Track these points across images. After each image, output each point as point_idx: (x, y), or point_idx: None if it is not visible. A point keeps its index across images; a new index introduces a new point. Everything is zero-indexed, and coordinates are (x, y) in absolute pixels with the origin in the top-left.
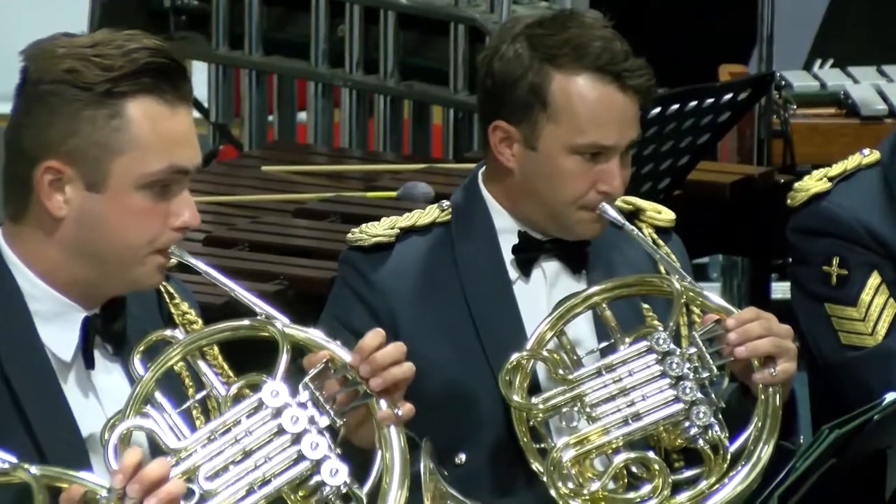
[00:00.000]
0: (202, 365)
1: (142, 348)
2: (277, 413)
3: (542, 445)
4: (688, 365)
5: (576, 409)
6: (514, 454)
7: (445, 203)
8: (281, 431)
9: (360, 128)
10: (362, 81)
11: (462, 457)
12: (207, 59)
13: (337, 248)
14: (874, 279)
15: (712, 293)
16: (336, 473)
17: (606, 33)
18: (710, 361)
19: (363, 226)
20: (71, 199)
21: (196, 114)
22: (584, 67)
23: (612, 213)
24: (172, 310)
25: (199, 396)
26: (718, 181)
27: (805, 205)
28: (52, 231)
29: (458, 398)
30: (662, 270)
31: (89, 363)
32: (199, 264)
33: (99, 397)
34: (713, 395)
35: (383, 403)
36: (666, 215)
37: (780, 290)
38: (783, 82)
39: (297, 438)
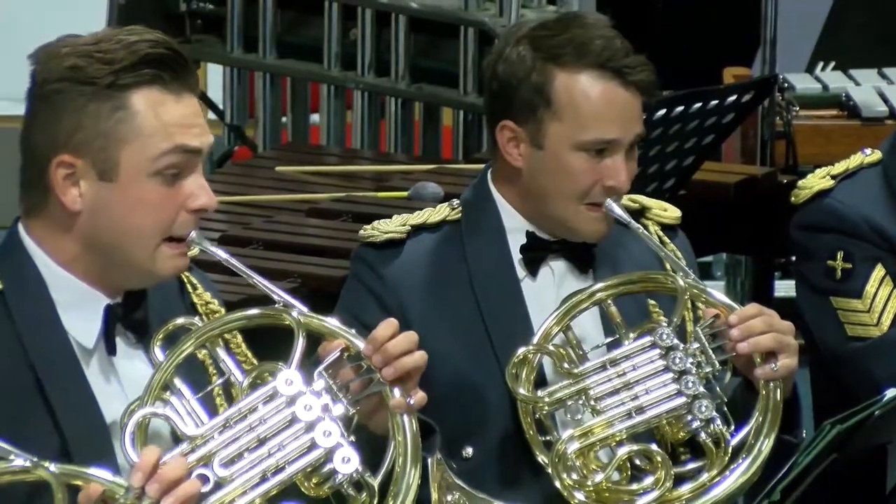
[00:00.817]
0: (220, 352)
1: (161, 336)
2: (291, 401)
3: (548, 438)
4: (691, 360)
5: (581, 402)
6: (520, 446)
7: (456, 202)
8: (295, 419)
9: (371, 129)
10: (374, 84)
11: (469, 450)
12: (222, 61)
13: (349, 246)
14: (878, 272)
15: (716, 290)
16: (348, 461)
17: (608, 32)
18: (713, 356)
19: (375, 223)
20: (85, 192)
21: (211, 115)
22: (586, 65)
23: (618, 211)
24: (195, 299)
25: (218, 383)
26: (722, 181)
27: (809, 202)
28: (69, 225)
29: (467, 391)
30: (668, 268)
31: (111, 350)
32: (219, 252)
33: (122, 383)
34: (716, 390)
35: (396, 392)
36: (672, 213)
37: (783, 288)
38: (786, 84)
39: (310, 426)
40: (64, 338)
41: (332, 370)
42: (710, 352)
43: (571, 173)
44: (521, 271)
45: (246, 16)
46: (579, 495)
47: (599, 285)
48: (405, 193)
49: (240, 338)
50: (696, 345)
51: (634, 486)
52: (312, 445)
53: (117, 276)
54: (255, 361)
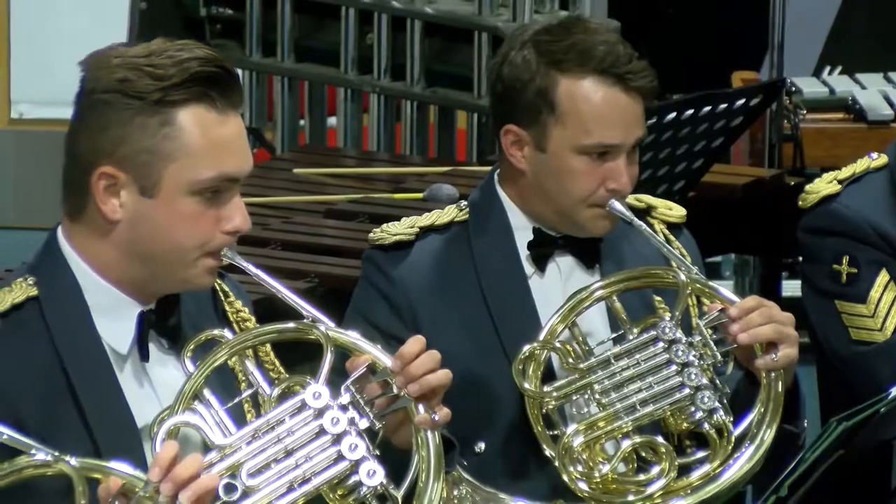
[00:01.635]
0: (249, 365)
1: (192, 347)
2: (319, 414)
3: (556, 432)
4: (693, 352)
5: (587, 396)
6: (528, 440)
7: (463, 203)
8: (322, 432)
9: (387, 132)
10: (390, 87)
11: (481, 445)
12: (241, 65)
13: (365, 247)
14: (882, 277)
15: (719, 285)
16: (373, 475)
17: (610, 37)
18: (714, 348)
19: (384, 225)
20: (125, 203)
21: None
22: (589, 71)
23: (621, 210)
24: (227, 307)
25: (246, 394)
26: (731, 183)
27: (816, 206)
28: (107, 232)
29: (476, 387)
30: (674, 264)
31: (144, 356)
32: (251, 267)
33: (154, 388)
34: (718, 381)
35: (421, 408)
36: (677, 211)
37: (791, 288)
38: (793, 88)
39: (337, 439)
40: (98, 343)
41: (358, 385)
42: (712, 344)
43: (574, 176)
44: (528, 268)
45: (264, 21)
46: (585, 487)
47: (601, 283)
48: (420, 195)
49: (268, 347)
50: (698, 337)
51: (641, 477)
52: (339, 458)
53: (152, 284)
54: (282, 370)
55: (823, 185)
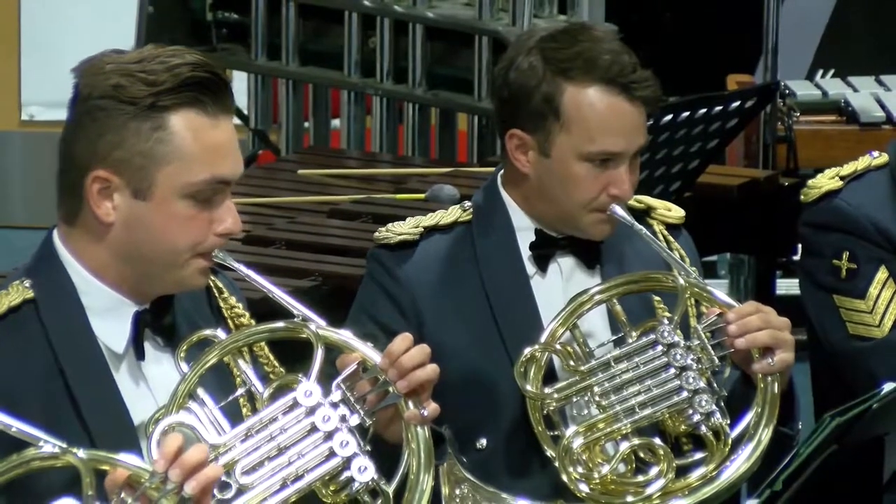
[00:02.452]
0: (242, 364)
1: (185, 347)
2: (311, 412)
3: (556, 432)
4: (691, 356)
5: (587, 398)
6: (530, 439)
7: (467, 203)
8: (314, 429)
9: (390, 133)
10: (392, 90)
11: (483, 441)
12: (247, 69)
13: (368, 246)
14: (881, 274)
15: (717, 288)
16: (364, 470)
17: (615, 46)
18: (712, 352)
19: (389, 225)
20: (119, 205)
21: (236, 120)
22: (594, 79)
23: (622, 214)
24: (221, 304)
25: (238, 393)
26: (726, 184)
27: (818, 201)
28: (101, 235)
29: (479, 386)
30: (673, 269)
31: (140, 354)
32: (241, 267)
33: (150, 386)
34: (715, 384)
35: (410, 404)
36: (676, 213)
37: (784, 286)
38: (787, 91)
39: (328, 436)
40: (94, 343)
41: (349, 382)
42: (710, 348)
43: (577, 181)
44: (530, 269)
45: (269, 25)
46: (585, 488)
47: (601, 286)
48: (422, 195)
49: (264, 344)
50: (696, 341)
51: (639, 478)
52: (331, 454)
53: (146, 285)
54: (277, 366)
55: (826, 181)
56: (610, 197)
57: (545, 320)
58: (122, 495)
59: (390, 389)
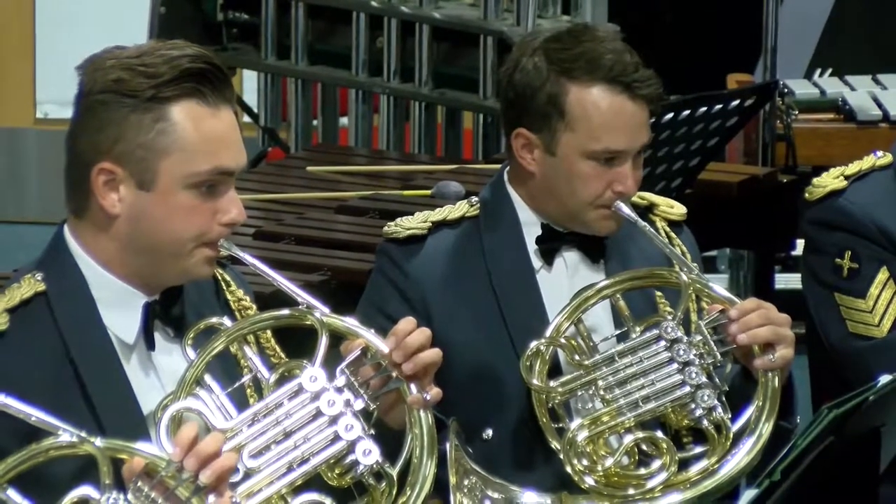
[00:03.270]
0: (248, 351)
1: (192, 335)
2: (315, 397)
3: (561, 425)
4: (694, 351)
5: (591, 392)
6: (535, 432)
7: (474, 199)
8: (318, 414)
9: (396, 131)
10: (399, 89)
11: (489, 432)
12: (257, 68)
13: (376, 241)
14: (882, 274)
15: (718, 285)
16: (369, 454)
17: (617, 46)
18: (714, 348)
19: (398, 220)
20: (124, 197)
21: (247, 118)
22: (598, 79)
23: (626, 211)
24: (228, 296)
25: (245, 379)
26: (726, 181)
27: (821, 200)
28: (108, 226)
29: (485, 378)
30: (676, 265)
31: (150, 345)
32: (247, 256)
33: (160, 376)
34: (717, 380)
35: (413, 388)
36: (678, 209)
37: (784, 280)
38: (786, 90)
39: (333, 420)
40: (104, 334)
41: (353, 368)
42: (712, 344)
43: (582, 179)
44: (536, 263)
45: (279, 25)
46: (589, 480)
47: (606, 282)
48: (428, 192)
49: (269, 333)
50: (698, 337)
51: (642, 471)
52: (335, 438)
53: (154, 276)
54: (282, 355)
55: (830, 181)
56: (614, 194)
57: (551, 314)
58: (139, 484)
59: (393, 374)
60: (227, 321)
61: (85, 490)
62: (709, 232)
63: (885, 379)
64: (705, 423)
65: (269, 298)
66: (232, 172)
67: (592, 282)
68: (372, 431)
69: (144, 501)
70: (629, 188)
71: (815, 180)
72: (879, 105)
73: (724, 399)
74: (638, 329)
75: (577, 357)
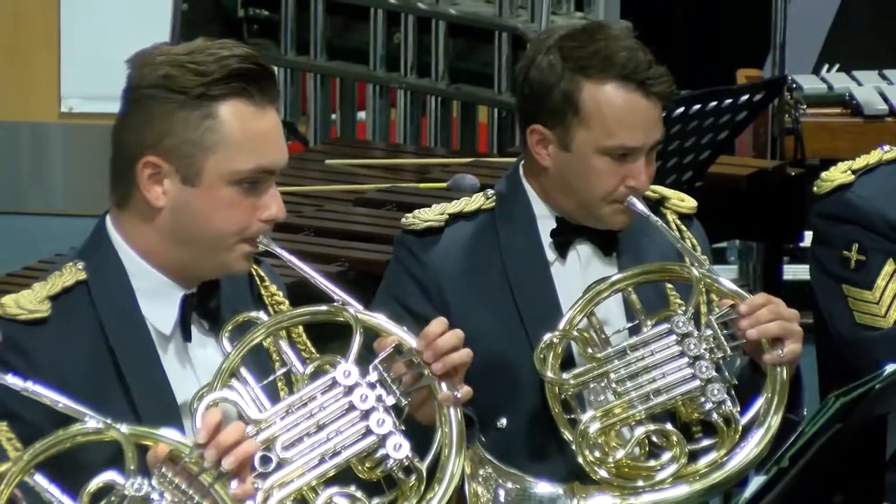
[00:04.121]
0: (283, 344)
1: (230, 328)
2: (349, 391)
3: (573, 416)
4: (704, 346)
5: (603, 384)
6: (548, 423)
7: (490, 192)
8: (351, 408)
9: (413, 125)
10: (416, 84)
11: (503, 421)
12: (276, 63)
13: (393, 233)
14: (889, 266)
15: (727, 279)
16: (399, 448)
17: (631, 43)
18: (724, 343)
19: (416, 211)
20: (168, 191)
21: None
22: (612, 76)
23: (639, 207)
24: (262, 291)
25: (280, 372)
26: (736, 174)
27: (830, 193)
28: (151, 218)
29: (500, 368)
30: (687, 260)
31: (187, 336)
32: (284, 253)
33: (194, 368)
34: (727, 374)
35: (444, 385)
36: (688, 203)
37: (792, 271)
38: (794, 85)
39: (365, 415)
40: (143, 324)
41: (385, 364)
42: (722, 338)
43: (596, 175)
44: (550, 255)
45: (298, 21)
46: (601, 471)
47: (620, 275)
48: (444, 184)
49: (301, 328)
50: (709, 332)
51: (652, 462)
52: (367, 432)
53: (193, 269)
54: (313, 350)
55: (838, 175)
56: (628, 189)
57: (564, 306)
58: (164, 469)
59: (425, 372)
60: (263, 315)
61: (110, 475)
62: (719, 224)
63: (891, 368)
64: (715, 416)
65: (291, 288)
66: (274, 171)
67: (605, 275)
68: (402, 427)
69: (168, 487)
70: (642, 184)
71: (824, 175)
72: (886, 99)
73: (732, 392)
74: (649, 323)
75: (589, 350)
